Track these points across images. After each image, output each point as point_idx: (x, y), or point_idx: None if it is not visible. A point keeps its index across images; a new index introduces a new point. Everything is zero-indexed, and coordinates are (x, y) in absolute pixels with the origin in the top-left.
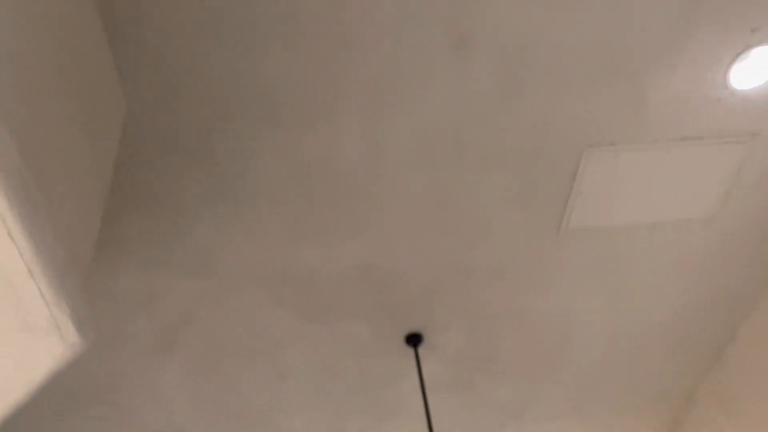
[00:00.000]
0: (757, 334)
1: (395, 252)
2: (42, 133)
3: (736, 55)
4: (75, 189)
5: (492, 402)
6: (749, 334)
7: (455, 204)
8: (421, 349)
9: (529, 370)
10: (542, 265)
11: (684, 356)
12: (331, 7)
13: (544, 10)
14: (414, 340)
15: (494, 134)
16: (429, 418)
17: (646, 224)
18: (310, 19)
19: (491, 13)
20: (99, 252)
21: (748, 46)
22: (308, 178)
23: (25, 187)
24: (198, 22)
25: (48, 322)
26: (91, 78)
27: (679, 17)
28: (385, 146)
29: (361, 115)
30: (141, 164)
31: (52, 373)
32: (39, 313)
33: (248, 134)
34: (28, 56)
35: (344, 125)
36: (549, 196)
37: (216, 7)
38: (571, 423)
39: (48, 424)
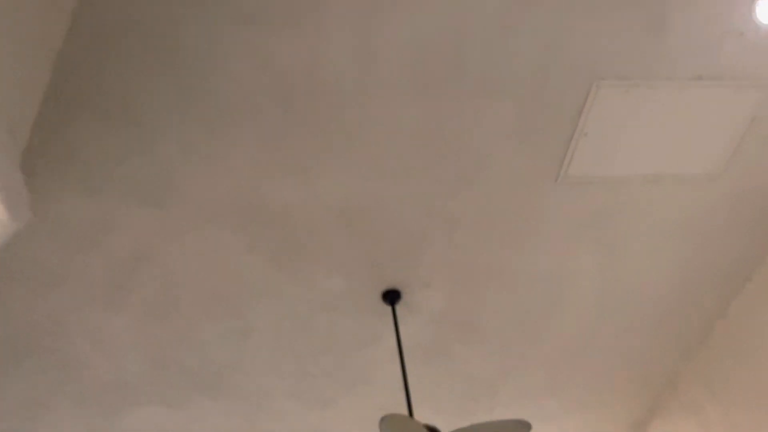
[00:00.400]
0: (750, 308)
1: (379, 192)
2: None
3: None
4: (13, 64)
5: (468, 374)
6: (741, 309)
7: (449, 135)
8: (398, 307)
9: (509, 339)
10: (535, 217)
11: (670, 334)
12: None
13: None
14: (391, 296)
15: (499, 57)
16: (406, 381)
17: (648, 177)
18: None
19: None
20: (43, 164)
21: None
22: (286, 91)
23: None
24: None
25: None
26: None
27: None
28: (376, 58)
29: (352, 18)
30: (93, 58)
31: None
32: None
33: (218, 31)
34: None
35: (331, 28)
36: (551, 134)
37: None
38: (548, 401)
39: None
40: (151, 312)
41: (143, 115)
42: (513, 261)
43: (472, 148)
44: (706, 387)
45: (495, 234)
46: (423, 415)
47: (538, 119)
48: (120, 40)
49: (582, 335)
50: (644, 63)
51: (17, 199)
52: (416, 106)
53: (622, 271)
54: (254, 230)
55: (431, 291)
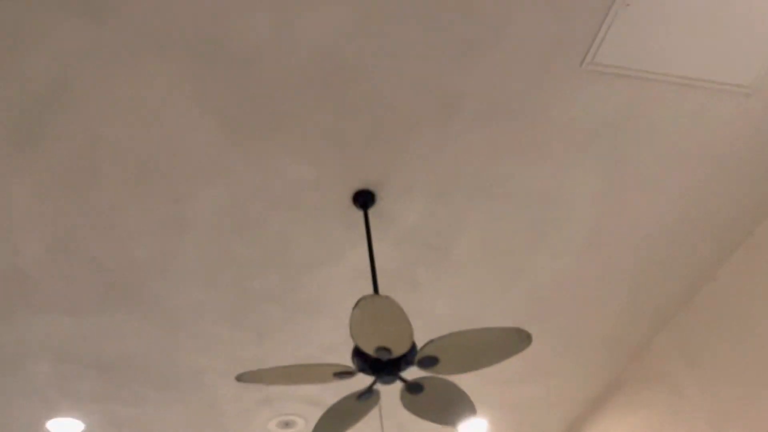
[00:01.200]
0: (744, 270)
1: (369, 44)
2: None
3: None
4: None
5: (430, 312)
6: (734, 270)
7: None
8: (370, 214)
9: (483, 276)
10: (546, 111)
11: (652, 291)
12: None
13: None
14: (365, 198)
15: None
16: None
17: (682, 80)
18: None
19: None
20: None
21: None
22: None
23: None
24: None
25: None
26: None
27: None
28: None
29: None
30: None
31: None
32: None
33: None
34: None
35: None
36: (586, 5)
37: None
38: (510, 361)
39: None
40: (61, 177)
41: None
42: (508, 172)
43: (491, 7)
44: (683, 357)
45: (496, 130)
46: None
47: None
48: None
49: (562, 279)
50: None
51: None
52: None
53: (622, 202)
54: (208, 77)
55: (410, 198)
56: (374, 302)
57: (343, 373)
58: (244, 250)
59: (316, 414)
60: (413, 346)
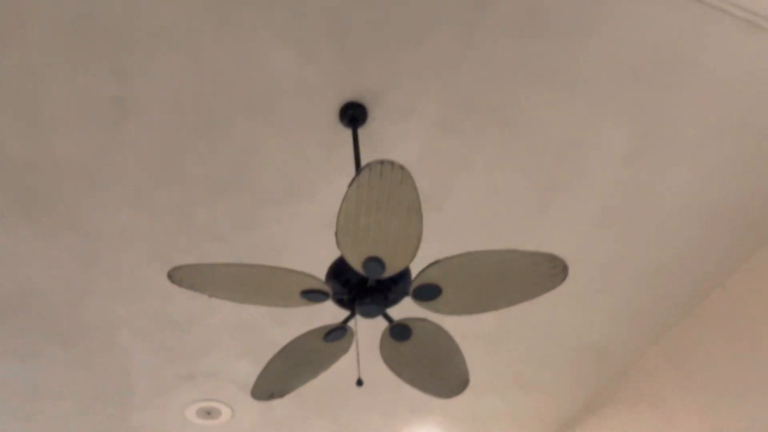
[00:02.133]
0: (759, 277)
1: None
2: None
3: None
4: None
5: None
6: (748, 276)
7: None
8: (360, 134)
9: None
10: (587, 39)
11: (655, 292)
12: None
13: None
14: (353, 113)
15: None
16: None
17: (751, 15)
18: None
19: None
20: None
21: None
22: None
23: None
24: None
25: None
26: None
27: None
28: None
29: None
30: None
31: None
32: None
33: None
34: None
35: None
36: None
37: None
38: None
39: None
40: None
41: None
42: (529, 108)
43: None
44: (676, 375)
45: (527, 50)
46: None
47: None
48: None
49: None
50: None
51: None
52: None
53: (648, 170)
54: None
55: (410, 125)
56: (385, 174)
57: (314, 293)
58: (194, 163)
59: (247, 404)
60: (408, 272)
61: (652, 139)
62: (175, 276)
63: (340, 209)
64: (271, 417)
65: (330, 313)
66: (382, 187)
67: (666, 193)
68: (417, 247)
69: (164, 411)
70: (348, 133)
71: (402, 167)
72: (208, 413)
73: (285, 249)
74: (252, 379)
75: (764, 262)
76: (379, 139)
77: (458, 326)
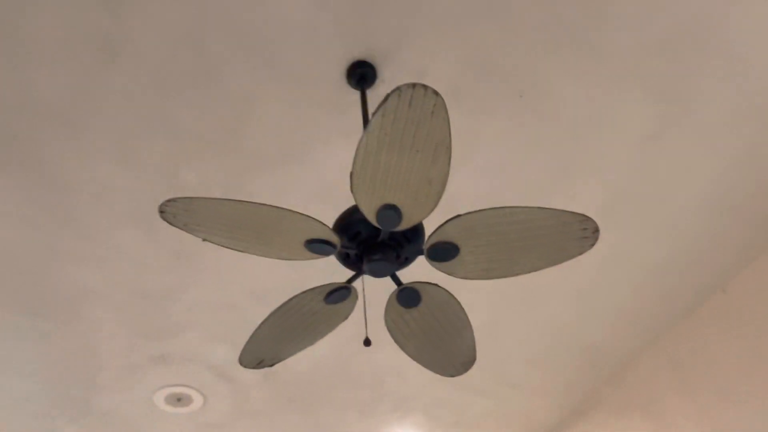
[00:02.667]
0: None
1: None
2: None
3: None
4: None
5: None
6: (751, 280)
7: None
8: (369, 95)
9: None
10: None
11: (659, 289)
12: None
13: None
14: (361, 73)
15: None
16: None
17: None
18: None
19: None
20: None
21: None
22: None
23: None
24: None
25: None
26: None
27: None
28: None
29: None
30: None
31: None
32: None
33: None
34: None
35: None
36: None
37: None
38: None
39: None
40: None
41: None
42: (547, 77)
43: None
44: (675, 379)
45: (553, 11)
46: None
47: None
48: None
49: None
50: None
51: None
52: None
53: (669, 153)
54: None
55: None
56: (416, 101)
57: (320, 243)
58: (186, 115)
59: (220, 392)
60: (422, 229)
61: (674, 121)
62: (169, 211)
63: (359, 144)
64: (244, 408)
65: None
66: (410, 118)
67: (683, 181)
68: (440, 194)
69: (131, 394)
70: (354, 95)
71: (436, 93)
72: (179, 400)
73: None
74: (228, 366)
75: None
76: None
77: None
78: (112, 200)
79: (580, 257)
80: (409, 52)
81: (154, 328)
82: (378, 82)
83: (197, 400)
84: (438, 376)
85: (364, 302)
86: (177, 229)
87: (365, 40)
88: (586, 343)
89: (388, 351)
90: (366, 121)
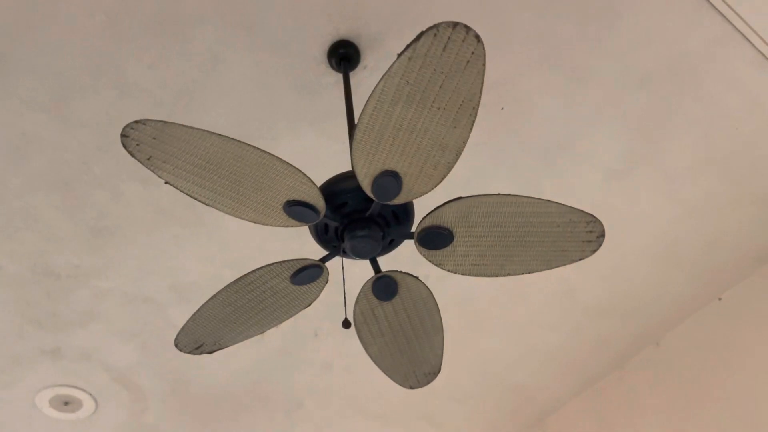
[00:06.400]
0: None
1: None
2: None
3: None
4: None
5: None
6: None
7: None
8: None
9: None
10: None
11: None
12: None
13: None
14: (343, 53)
15: None
16: None
17: None
18: None
19: None
20: None
21: None
22: None
23: None
24: None
25: None
26: None
27: None
28: None
29: None
30: None
31: None
32: None
33: None
34: None
35: None
36: None
37: None
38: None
39: None
40: None
41: None
42: (529, 92)
43: None
44: (598, 426)
45: (547, 24)
46: None
47: None
48: None
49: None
50: None
51: None
52: None
53: (630, 189)
54: None
55: None
56: (452, 45)
57: (302, 206)
58: (138, 71)
59: (115, 400)
60: (413, 210)
61: (642, 159)
62: (132, 136)
63: (374, 91)
64: (140, 421)
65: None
66: (442, 64)
67: (636, 224)
68: (451, 167)
69: (10, 392)
70: (331, 76)
71: (478, 38)
72: (66, 403)
73: None
74: (130, 370)
75: (702, 323)
76: (365, 91)
77: None
78: (30, 154)
79: (529, 289)
80: (396, 41)
81: (52, 315)
82: (360, 67)
83: (87, 405)
84: (355, 403)
85: (344, 283)
86: (99, 201)
87: (354, 19)
88: (513, 383)
89: (314, 370)
90: (350, 104)
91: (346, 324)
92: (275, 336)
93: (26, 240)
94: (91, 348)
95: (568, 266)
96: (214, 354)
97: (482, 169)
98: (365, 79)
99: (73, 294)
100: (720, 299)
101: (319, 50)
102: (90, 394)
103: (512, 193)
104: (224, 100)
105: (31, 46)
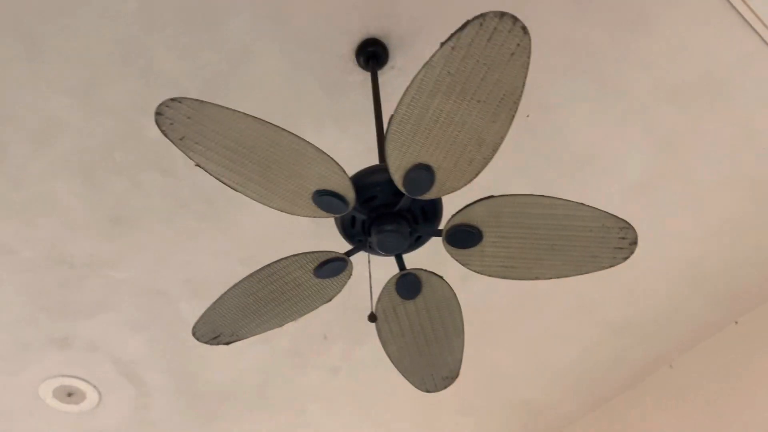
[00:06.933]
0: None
1: None
2: None
3: None
4: None
5: None
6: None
7: None
8: (381, 76)
9: None
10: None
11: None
12: None
13: None
14: (372, 52)
15: None
16: None
17: None
18: None
19: None
20: None
21: None
22: None
23: None
24: None
25: None
26: None
27: None
28: None
29: None
30: None
31: None
32: None
33: None
34: None
35: None
36: None
37: None
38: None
39: None
40: None
41: None
42: (554, 103)
43: None
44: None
45: (577, 32)
46: None
47: None
48: None
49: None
50: None
51: None
52: None
53: (654, 207)
54: None
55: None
56: (498, 36)
57: (332, 196)
58: (165, 52)
59: (120, 393)
60: (441, 207)
61: (666, 175)
62: (167, 113)
63: (413, 81)
64: (143, 416)
65: None
66: (485, 56)
67: (657, 242)
68: (486, 162)
69: (13, 380)
70: (358, 74)
71: (525, 30)
72: (69, 395)
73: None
74: (138, 363)
75: (718, 347)
76: (391, 91)
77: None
78: (54, 138)
79: (547, 302)
80: (427, 43)
81: (63, 303)
82: (387, 66)
83: (91, 398)
84: (359, 410)
85: (370, 277)
86: (121, 190)
87: (385, 18)
88: (523, 398)
89: (321, 373)
90: (378, 103)
91: (372, 317)
92: (284, 336)
93: (43, 226)
94: (99, 339)
95: (585, 280)
96: (221, 352)
97: (502, 176)
98: (392, 80)
99: (85, 283)
100: (737, 323)
101: (347, 47)
102: (94, 387)
103: None
104: (250, 93)
105: (63, 30)
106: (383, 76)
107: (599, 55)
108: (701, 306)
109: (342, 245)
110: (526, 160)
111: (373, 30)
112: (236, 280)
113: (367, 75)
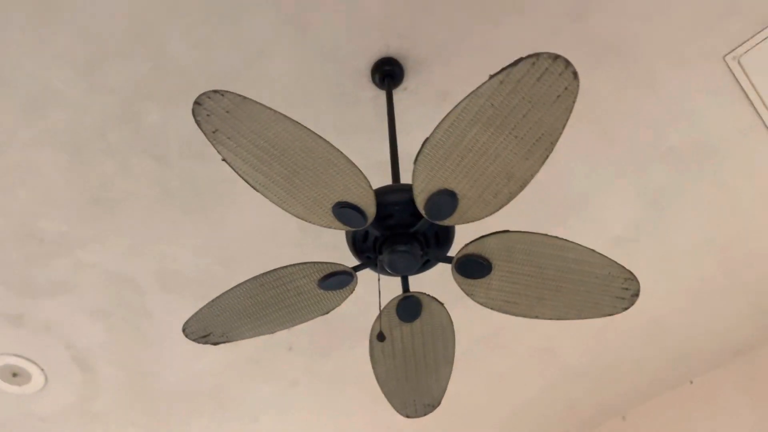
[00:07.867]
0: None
1: None
2: None
3: None
4: None
5: None
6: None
7: None
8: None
9: None
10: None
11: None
12: None
13: None
14: (387, 71)
15: None
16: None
17: None
18: None
19: None
20: None
21: None
22: None
23: None
24: None
25: None
26: None
27: None
28: None
29: None
30: None
31: None
32: None
33: None
34: None
35: None
36: None
37: None
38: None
39: None
40: None
41: None
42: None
43: None
44: None
45: (589, 78)
46: None
47: None
48: None
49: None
50: None
51: None
52: None
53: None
54: None
55: (440, 109)
56: (548, 77)
57: (353, 209)
58: (179, 42)
59: (67, 378)
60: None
61: (646, 232)
62: (206, 104)
63: (455, 107)
64: (87, 407)
65: None
66: (531, 94)
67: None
68: (512, 197)
69: None
70: (371, 91)
71: (575, 75)
72: (14, 375)
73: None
74: (92, 351)
75: (671, 403)
76: (403, 110)
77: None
78: (47, 109)
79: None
80: (442, 69)
81: (25, 279)
82: (400, 87)
83: (36, 381)
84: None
85: (380, 295)
86: (109, 171)
87: (405, 39)
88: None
89: (279, 385)
90: (392, 122)
91: (381, 337)
92: (248, 342)
93: (20, 197)
94: (55, 321)
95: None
96: (180, 351)
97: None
98: (403, 101)
99: (52, 260)
100: (692, 382)
101: (364, 63)
102: (42, 370)
103: None
104: (259, 93)
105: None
106: (395, 95)
107: (604, 107)
108: (659, 362)
109: (327, 258)
110: (520, 197)
111: (393, 50)
112: (210, 279)
113: (379, 92)
